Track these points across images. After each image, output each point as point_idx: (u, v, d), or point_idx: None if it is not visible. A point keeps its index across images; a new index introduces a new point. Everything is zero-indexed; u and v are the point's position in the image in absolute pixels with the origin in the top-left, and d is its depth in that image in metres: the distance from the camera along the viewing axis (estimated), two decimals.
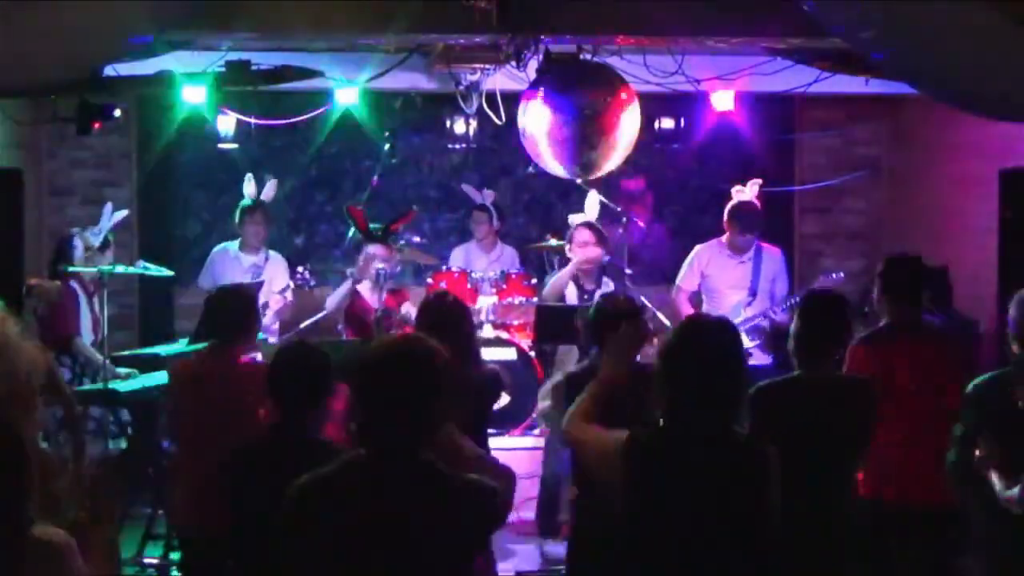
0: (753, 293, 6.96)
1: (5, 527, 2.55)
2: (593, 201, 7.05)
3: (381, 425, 2.63)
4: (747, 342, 6.86)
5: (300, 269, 7.45)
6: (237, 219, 7.68)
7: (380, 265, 6.94)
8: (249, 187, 7.73)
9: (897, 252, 5.05)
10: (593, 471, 3.37)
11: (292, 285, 7.41)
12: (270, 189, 7.79)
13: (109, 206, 7.01)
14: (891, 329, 4.65)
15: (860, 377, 4.24)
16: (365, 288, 7.01)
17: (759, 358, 6.78)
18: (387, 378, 2.64)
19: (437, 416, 2.66)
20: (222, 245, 7.83)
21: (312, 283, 7.49)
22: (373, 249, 7.00)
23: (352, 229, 7.42)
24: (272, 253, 7.82)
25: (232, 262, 7.65)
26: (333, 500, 2.61)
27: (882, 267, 4.81)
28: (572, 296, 6.61)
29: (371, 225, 7.19)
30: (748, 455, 3.07)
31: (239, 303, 4.81)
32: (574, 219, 6.93)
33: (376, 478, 2.61)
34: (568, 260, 7.05)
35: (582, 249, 6.63)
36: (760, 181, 7.17)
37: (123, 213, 7.09)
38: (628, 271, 7.02)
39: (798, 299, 6.75)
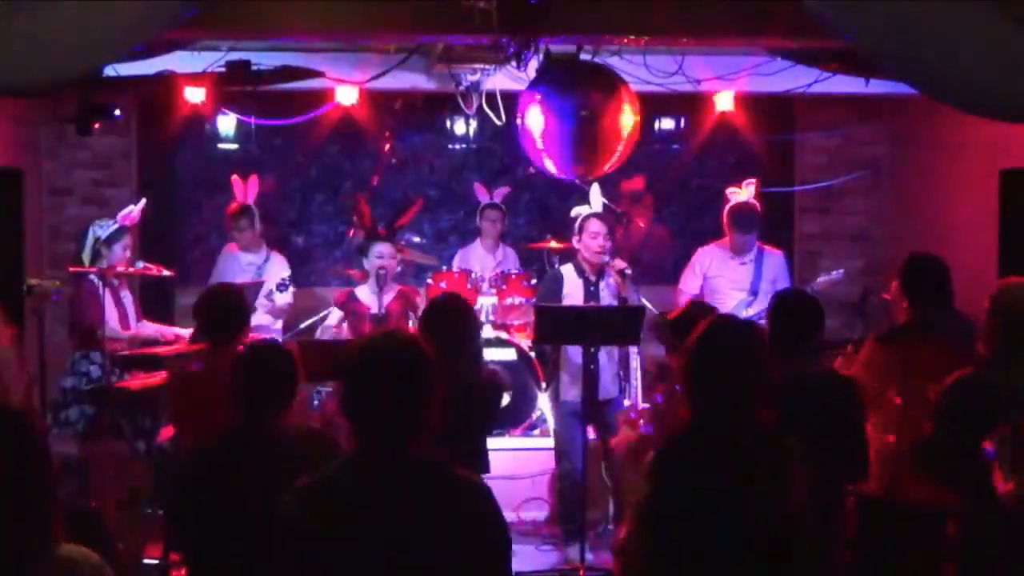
0: (754, 293, 7.00)
1: (31, 542, 2.41)
2: (597, 194, 7.05)
3: (369, 421, 2.63)
4: None
5: (283, 277, 7.38)
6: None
7: (384, 264, 6.90)
8: (236, 190, 7.76)
9: (920, 252, 5.00)
10: None
11: (273, 290, 7.35)
12: (252, 188, 7.77)
13: (132, 205, 6.97)
14: (910, 329, 4.63)
15: (839, 374, 4.25)
16: (366, 290, 6.98)
17: None
18: (372, 374, 2.63)
19: (427, 411, 2.64)
20: (229, 246, 7.84)
21: (290, 290, 7.42)
22: (380, 249, 6.92)
23: (354, 228, 7.40)
24: (274, 254, 7.81)
25: (232, 261, 7.68)
26: (331, 501, 2.60)
27: (904, 266, 4.78)
28: (577, 291, 6.60)
29: (377, 224, 7.15)
30: (776, 448, 3.06)
31: (224, 303, 4.83)
32: (580, 211, 6.93)
33: (368, 475, 2.61)
34: (571, 253, 7.00)
35: (594, 240, 6.61)
36: (755, 181, 7.19)
37: (140, 206, 6.96)
38: (628, 271, 7.00)
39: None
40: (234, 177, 7.88)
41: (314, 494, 2.64)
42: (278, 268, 7.69)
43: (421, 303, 7.02)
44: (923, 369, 4.36)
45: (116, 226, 6.73)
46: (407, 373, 2.63)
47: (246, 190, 7.81)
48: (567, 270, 6.68)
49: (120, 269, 6.64)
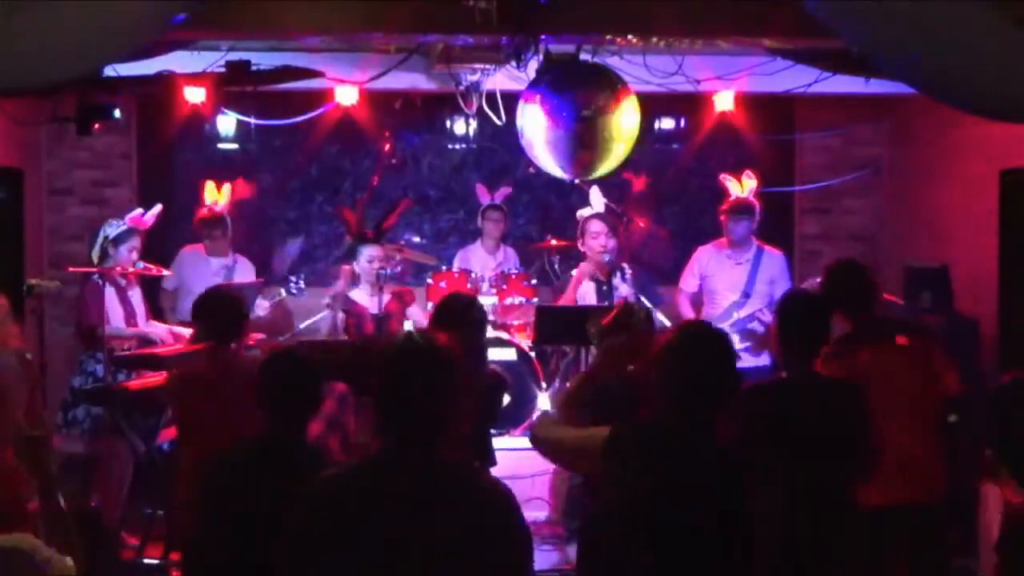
0: (746, 295, 6.97)
1: None
2: (597, 195, 7.05)
3: (402, 421, 2.63)
4: (737, 343, 6.88)
5: (293, 279, 7.38)
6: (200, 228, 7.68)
7: (378, 266, 6.91)
8: (209, 196, 7.71)
9: (835, 262, 4.92)
10: (572, 467, 3.39)
11: (283, 294, 7.36)
12: (226, 196, 7.76)
13: (140, 208, 6.97)
14: (848, 341, 4.57)
15: (847, 380, 4.23)
16: (362, 292, 6.99)
17: (749, 360, 6.78)
18: (406, 376, 2.64)
19: (455, 414, 2.65)
20: (191, 247, 7.77)
21: (305, 294, 7.43)
22: (370, 252, 6.96)
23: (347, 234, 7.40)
24: (240, 258, 7.78)
25: (202, 263, 7.58)
26: (351, 498, 2.60)
27: (824, 280, 4.73)
28: (590, 292, 6.58)
29: (366, 227, 7.15)
30: (728, 460, 3.13)
31: (232, 304, 4.88)
32: (583, 213, 6.90)
33: (394, 476, 2.60)
34: (576, 254, 6.99)
35: (596, 240, 6.58)
36: (755, 175, 7.20)
37: (155, 211, 6.97)
38: (629, 271, 7.01)
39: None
40: (208, 185, 7.82)
41: (332, 490, 2.64)
42: (246, 271, 7.67)
43: (415, 303, 7.04)
44: (869, 375, 4.33)
45: (125, 227, 6.75)
46: (446, 377, 2.65)
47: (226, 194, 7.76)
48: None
49: (120, 269, 6.64)
